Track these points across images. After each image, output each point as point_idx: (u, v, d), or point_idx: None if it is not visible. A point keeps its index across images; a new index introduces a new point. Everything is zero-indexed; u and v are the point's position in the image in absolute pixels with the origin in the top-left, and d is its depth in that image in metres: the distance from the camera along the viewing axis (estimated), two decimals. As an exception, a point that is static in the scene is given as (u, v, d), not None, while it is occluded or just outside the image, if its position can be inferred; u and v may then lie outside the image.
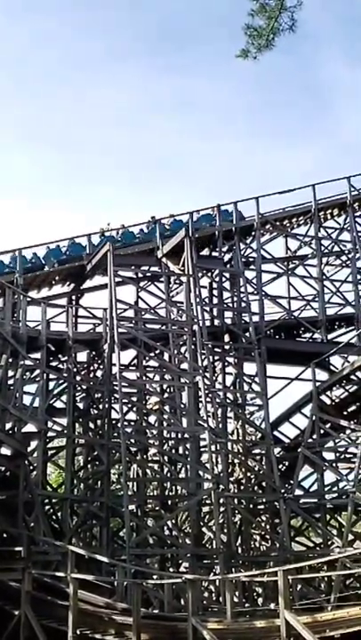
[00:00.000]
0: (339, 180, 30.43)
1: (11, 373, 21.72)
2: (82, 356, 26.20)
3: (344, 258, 30.28)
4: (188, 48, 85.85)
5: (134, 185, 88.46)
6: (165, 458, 25.35)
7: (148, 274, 27.25)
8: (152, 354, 25.49)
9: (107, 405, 24.17)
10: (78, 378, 25.45)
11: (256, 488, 26.18)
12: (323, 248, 29.69)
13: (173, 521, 24.53)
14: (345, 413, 25.93)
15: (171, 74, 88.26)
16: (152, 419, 26.70)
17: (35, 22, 72.17)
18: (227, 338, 27.06)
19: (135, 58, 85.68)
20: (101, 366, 25.38)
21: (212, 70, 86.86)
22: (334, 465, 25.84)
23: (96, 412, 25.47)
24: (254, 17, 10.35)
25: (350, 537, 22.94)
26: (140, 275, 27.17)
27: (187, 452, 23.49)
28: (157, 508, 25.27)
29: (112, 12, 78.39)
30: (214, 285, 28.08)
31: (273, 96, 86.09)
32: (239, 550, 24.30)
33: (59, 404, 24.93)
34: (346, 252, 30.11)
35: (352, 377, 25.53)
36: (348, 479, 24.19)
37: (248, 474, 25.66)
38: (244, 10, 10.31)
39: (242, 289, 27.13)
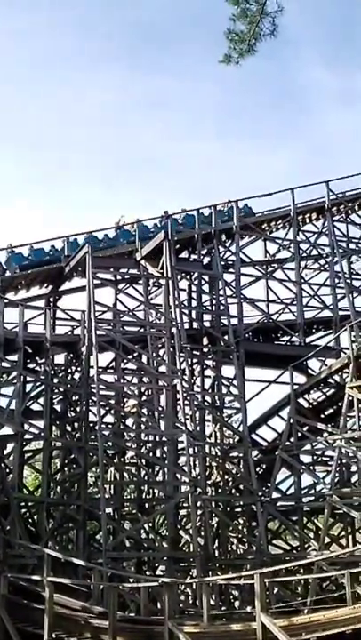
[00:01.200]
0: (317, 184, 30.65)
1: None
2: (59, 359, 26.10)
3: (322, 261, 30.46)
4: (169, 49, 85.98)
5: (110, 185, 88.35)
6: (143, 461, 25.29)
7: (127, 276, 27.18)
8: (130, 356, 25.45)
9: (84, 408, 24.07)
10: (56, 380, 25.34)
11: (233, 491, 26.20)
12: (301, 252, 29.84)
13: (150, 524, 24.48)
14: (322, 416, 26.05)
15: (150, 74, 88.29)
16: (130, 421, 26.65)
17: (11, 20, 71.80)
18: (205, 341, 27.09)
19: (114, 58, 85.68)
20: (79, 369, 25.26)
21: (192, 71, 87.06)
22: (311, 468, 25.95)
23: (73, 414, 25.36)
24: (235, 22, 10.38)
25: (327, 540, 23.00)
26: (118, 277, 27.08)
27: (164, 455, 23.47)
28: (134, 511, 25.21)
29: (91, 10, 78.34)
30: (193, 288, 28.09)
31: (253, 98, 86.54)
32: (216, 553, 24.32)
33: (36, 407, 24.74)
34: (324, 255, 30.29)
35: (329, 380, 25.67)
36: (325, 482, 24.30)
37: (226, 477, 25.68)
38: (225, 11, 10.34)
39: (220, 292, 27.17)
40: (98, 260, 24.93)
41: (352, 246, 31.08)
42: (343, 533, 24.57)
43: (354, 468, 24.08)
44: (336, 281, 29.48)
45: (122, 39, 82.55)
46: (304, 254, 30.13)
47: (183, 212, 28.76)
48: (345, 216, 31.42)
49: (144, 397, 25.86)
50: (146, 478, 25.40)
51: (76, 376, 25.78)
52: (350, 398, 22.67)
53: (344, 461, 24.05)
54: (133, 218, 28.25)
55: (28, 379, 24.15)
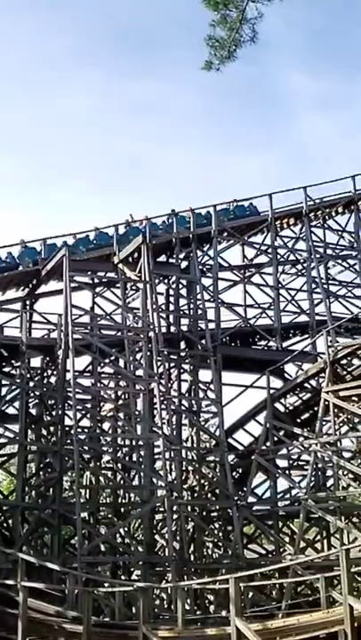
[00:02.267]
0: (295, 189, 30.82)
1: None
2: (35, 362, 25.92)
3: (299, 267, 30.59)
4: (151, 53, 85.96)
5: (94, 187, 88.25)
6: (119, 465, 25.21)
7: (105, 279, 27.13)
8: (107, 360, 25.37)
9: (60, 412, 23.94)
10: (31, 384, 25.18)
11: (210, 495, 26.22)
12: (279, 257, 29.95)
13: (126, 528, 24.39)
14: (298, 421, 26.19)
15: (133, 77, 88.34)
16: (106, 425, 26.57)
17: (-6, 23, 71.49)
18: (183, 345, 27.08)
19: (97, 61, 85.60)
20: (55, 372, 25.14)
21: (174, 75, 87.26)
22: (287, 472, 26.07)
23: (49, 418, 25.21)
24: (216, 28, 10.40)
25: (302, 544, 23.09)
26: (96, 280, 27.02)
27: (140, 459, 23.42)
28: (110, 516, 25.13)
29: (74, 14, 78.26)
30: (171, 292, 28.10)
31: (234, 103, 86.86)
32: (192, 558, 24.28)
33: (11, 410, 24.57)
34: (301, 260, 30.43)
35: (306, 385, 25.80)
36: (301, 486, 24.39)
37: (202, 481, 25.69)
38: (207, 16, 10.35)
39: (198, 296, 27.19)
40: (75, 263, 24.83)
41: (329, 252, 31.27)
42: (318, 537, 24.67)
43: (329, 473, 24.20)
44: (313, 286, 29.63)
45: (106, 43, 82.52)
46: (282, 259, 30.26)
47: (190, 210, 28.81)
48: (322, 222, 31.59)
49: (121, 401, 25.80)
50: (122, 482, 25.34)
51: (52, 380, 25.66)
52: (326, 403, 22.79)
53: (320, 466, 24.18)
54: (142, 216, 28.33)
55: (4, 382, 24.01)
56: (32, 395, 25.30)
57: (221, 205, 29.57)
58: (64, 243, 26.85)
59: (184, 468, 25.60)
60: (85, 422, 25.77)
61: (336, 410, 22.76)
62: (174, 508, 22.74)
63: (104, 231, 27.50)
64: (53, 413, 24.80)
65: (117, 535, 24.20)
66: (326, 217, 31.67)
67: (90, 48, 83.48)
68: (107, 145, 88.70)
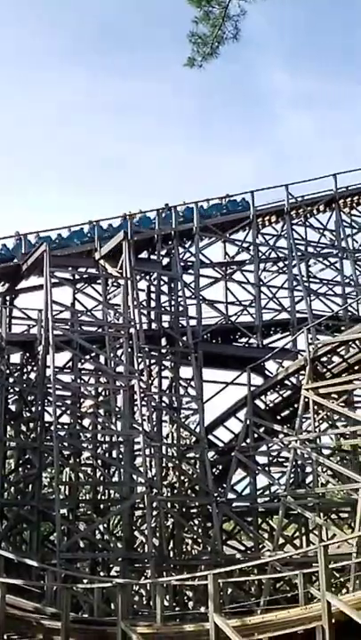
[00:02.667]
0: (277, 187, 30.89)
1: None
2: (15, 358, 25.84)
3: (281, 264, 30.70)
4: (133, 50, 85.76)
5: (73, 186, 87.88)
6: (99, 461, 25.17)
7: (86, 275, 27.04)
8: (88, 356, 25.30)
9: (40, 408, 23.86)
10: (11, 380, 25.08)
11: (189, 492, 26.25)
12: (260, 254, 30.02)
13: (105, 525, 24.38)
14: (278, 418, 26.26)
15: (115, 75, 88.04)
16: (86, 422, 26.49)
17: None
18: (164, 341, 27.09)
19: (80, 59, 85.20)
20: (35, 368, 25.04)
21: (159, 74, 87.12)
22: (267, 469, 26.16)
23: (29, 414, 25.11)
24: (198, 24, 10.37)
25: (281, 541, 23.19)
26: (77, 276, 26.92)
27: (120, 456, 23.39)
28: (89, 512, 25.08)
29: (56, 11, 77.77)
30: (152, 289, 28.07)
31: (216, 101, 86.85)
32: (171, 554, 24.30)
33: (-10, 406, 24.43)
34: (283, 258, 30.52)
35: (286, 382, 25.87)
36: (280, 483, 24.49)
37: (182, 477, 25.72)
38: (189, 14, 10.32)
39: (180, 293, 27.19)
40: (56, 259, 24.74)
41: (310, 250, 31.40)
42: (297, 534, 24.77)
43: (309, 470, 24.28)
44: (294, 284, 29.74)
45: (88, 41, 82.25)
46: (263, 257, 30.34)
47: (184, 204, 28.93)
48: (304, 219, 31.71)
49: (101, 398, 25.75)
50: (101, 479, 25.30)
51: (32, 376, 25.56)
52: (306, 400, 22.89)
53: (299, 462, 24.26)
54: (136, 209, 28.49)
55: (-17, 378, 23.83)
56: (11, 391, 25.20)
57: (213, 200, 29.75)
58: (58, 235, 26.80)
59: (164, 465, 25.62)
60: (65, 419, 25.73)
61: (316, 407, 22.85)
62: (154, 505, 22.74)
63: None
64: (33, 409, 24.72)
65: (97, 532, 24.16)
66: (308, 215, 31.79)
67: (74, 47, 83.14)
68: (91, 144, 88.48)
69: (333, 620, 12.96)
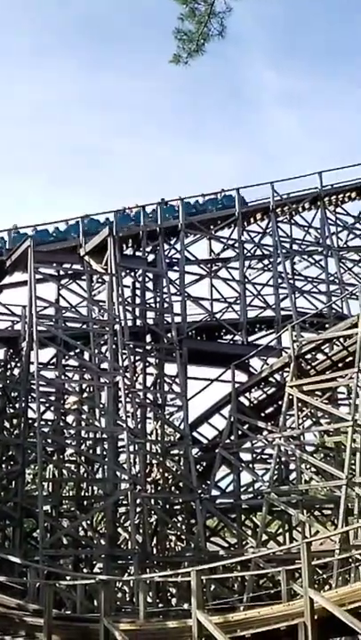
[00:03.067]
0: (262, 184, 30.91)
1: None
2: (-1, 354, 25.71)
3: (266, 261, 30.75)
4: (115, 46, 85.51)
5: (54, 182, 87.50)
6: (82, 458, 25.12)
7: (70, 272, 26.94)
8: (72, 353, 25.22)
9: (23, 404, 23.77)
10: (-5, 376, 24.94)
11: (173, 488, 26.26)
12: (245, 251, 30.05)
13: (89, 521, 24.33)
14: (263, 415, 26.33)
15: (96, 71, 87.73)
16: (70, 418, 26.40)
17: None
18: (148, 338, 27.06)
19: (59, 54, 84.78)
20: (19, 364, 24.95)
21: (139, 70, 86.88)
22: (251, 466, 26.22)
23: (12, 410, 25.02)
24: (184, 21, 10.35)
25: (264, 537, 23.27)
26: (61, 272, 26.82)
27: (104, 453, 23.35)
28: (73, 509, 25.03)
29: (37, 6, 77.32)
30: (137, 285, 28.02)
31: (200, 98, 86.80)
32: (154, 551, 24.32)
33: (-27, 402, 24.36)
34: (268, 255, 30.57)
35: (270, 379, 25.95)
36: (264, 480, 24.57)
37: (166, 474, 25.72)
38: (173, 10, 10.30)
39: (165, 289, 27.16)
40: (40, 255, 24.62)
41: (295, 247, 31.47)
42: (280, 531, 24.88)
43: (292, 467, 24.40)
44: (279, 281, 29.79)
45: (67, 35, 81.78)
46: (248, 254, 30.38)
47: (180, 199, 28.95)
48: (289, 217, 31.77)
49: (85, 394, 25.68)
50: (85, 476, 25.25)
51: (16, 372, 25.47)
52: (290, 397, 22.96)
53: (283, 459, 24.36)
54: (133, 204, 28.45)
55: (-33, 374, 23.72)
56: (-5, 387, 25.07)
57: (210, 195, 29.85)
58: (56, 229, 26.80)
59: (148, 462, 25.62)
60: (49, 415, 25.64)
61: (300, 404, 22.94)
62: (138, 502, 22.73)
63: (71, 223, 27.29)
64: (16, 406, 24.62)
65: (80, 528, 24.12)
66: (293, 212, 31.85)
67: (48, 40, 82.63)
68: (68, 138, 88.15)
69: (316, 617, 13.03)
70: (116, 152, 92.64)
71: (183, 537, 25.43)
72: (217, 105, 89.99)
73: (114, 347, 23.85)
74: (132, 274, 27.92)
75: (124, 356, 24.06)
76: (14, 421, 24.78)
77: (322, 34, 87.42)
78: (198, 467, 26.47)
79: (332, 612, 12.93)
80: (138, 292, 27.96)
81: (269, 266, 30.44)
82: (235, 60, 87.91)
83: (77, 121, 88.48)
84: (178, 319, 27.08)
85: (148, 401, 26.31)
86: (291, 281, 30.28)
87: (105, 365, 24.48)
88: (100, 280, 26.11)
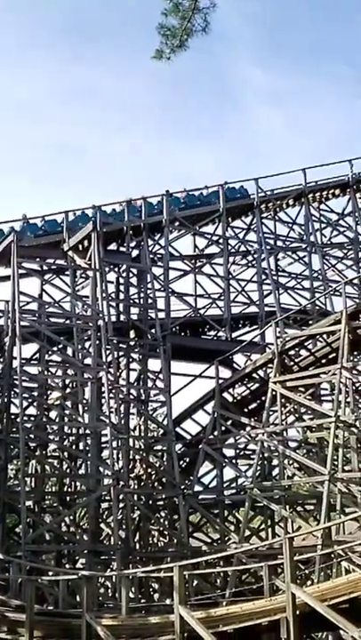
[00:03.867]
0: (246, 181, 30.95)
1: None
2: (-18, 349, 25.53)
3: (250, 258, 30.76)
4: (98, 41, 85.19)
5: (37, 180, 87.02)
6: (65, 454, 25.07)
7: (54, 267, 26.84)
8: (55, 348, 25.14)
9: (6, 400, 23.67)
10: (-23, 371, 24.78)
11: (156, 484, 26.26)
12: (229, 247, 30.06)
13: (71, 517, 24.30)
14: (246, 410, 26.38)
15: (81, 66, 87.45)
16: (53, 414, 26.34)
17: None
18: (132, 334, 27.01)
19: (43, 48, 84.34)
20: (2, 360, 24.80)
21: (124, 65, 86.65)
22: (234, 461, 26.29)
23: (-5, 406, 24.86)
24: (168, 16, 10.31)
25: (247, 533, 23.35)
26: (45, 267, 26.71)
27: (87, 448, 23.32)
28: (55, 505, 24.98)
29: (22, 3, 76.81)
30: (121, 281, 27.96)
31: (185, 96, 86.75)
32: (137, 546, 24.33)
33: None
34: (252, 252, 30.60)
35: (254, 375, 26.00)
36: (247, 475, 24.63)
37: (149, 470, 25.72)
38: (157, 6, 10.27)
39: (149, 285, 27.11)
40: (23, 250, 24.53)
41: (279, 243, 31.52)
42: (263, 526, 24.94)
43: (275, 462, 24.46)
44: (263, 277, 29.83)
45: (51, 32, 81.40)
46: (232, 250, 30.38)
47: (184, 191, 29.22)
48: (273, 213, 31.81)
49: (68, 390, 25.62)
50: (68, 471, 25.19)
51: (-1, 367, 25.29)
52: (274, 393, 23.02)
53: (266, 455, 24.40)
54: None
55: None
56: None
57: (213, 188, 30.00)
58: (63, 219, 26.63)
59: (131, 457, 25.59)
60: (32, 410, 25.55)
61: (283, 400, 23.01)
62: (120, 497, 22.73)
63: (53, 218, 27.15)
64: (-1, 401, 24.48)
65: (62, 524, 24.08)
66: (277, 209, 31.89)
67: (32, 37, 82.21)
68: (50, 136, 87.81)
69: (298, 612, 13.09)
70: (100, 150, 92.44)
71: (166, 532, 25.44)
72: (203, 103, 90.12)
73: (97, 342, 23.80)
74: (116, 269, 27.84)
75: (108, 352, 24.02)
76: (-3, 417, 24.63)
77: (306, 32, 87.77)
78: (181, 462, 26.49)
79: (314, 608, 13.00)
80: (122, 287, 27.91)
81: (253, 262, 30.45)
82: (221, 58, 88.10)
83: (62, 118, 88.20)
84: (162, 315, 27.05)
85: (131, 397, 26.28)
86: (275, 277, 30.33)
87: (88, 361, 24.43)
88: (83, 275, 26.03)
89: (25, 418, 23.39)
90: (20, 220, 26.30)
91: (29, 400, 24.88)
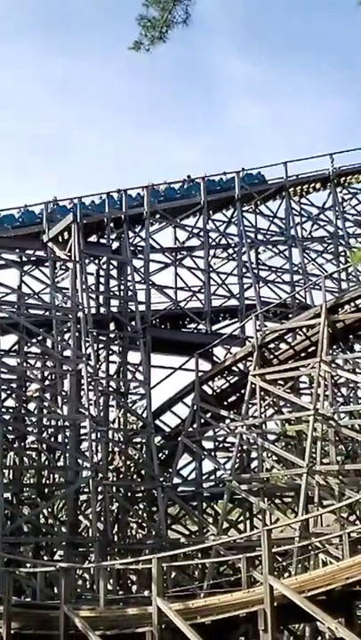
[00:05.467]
0: (227, 174, 30.90)
1: None
2: None
3: (230, 251, 30.78)
4: (77, 32, 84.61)
5: (15, 168, 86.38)
6: (44, 446, 24.98)
7: (33, 258, 26.68)
8: (34, 340, 25.01)
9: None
10: None
11: (135, 476, 26.28)
12: (210, 240, 30.05)
13: (50, 509, 24.24)
14: (225, 403, 26.45)
15: (62, 56, 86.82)
16: (32, 406, 26.24)
17: None
18: (112, 326, 26.95)
19: (22, 37, 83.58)
20: (-20, 351, 24.64)
21: (105, 56, 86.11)
22: (213, 454, 26.35)
23: (-27, 397, 24.71)
24: (148, 7, 10.25)
25: (225, 525, 23.42)
26: (24, 258, 26.54)
27: (66, 440, 23.26)
28: (34, 497, 24.90)
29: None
30: (101, 273, 27.83)
31: (165, 86, 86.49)
32: (115, 538, 24.34)
33: None
34: (232, 245, 30.62)
35: (234, 368, 26.07)
36: (226, 468, 24.70)
37: (128, 462, 25.73)
38: (139, -3, 10.19)
39: (129, 277, 27.04)
40: (2, 241, 24.36)
41: (260, 237, 31.55)
42: (241, 518, 25.06)
43: (254, 455, 24.56)
44: (243, 270, 29.85)
45: (31, 18, 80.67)
46: (213, 243, 30.38)
47: (188, 178, 29.50)
48: (254, 207, 31.81)
49: (47, 382, 25.52)
50: (46, 463, 25.12)
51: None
52: (253, 386, 23.10)
53: (245, 448, 24.50)
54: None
55: None
56: None
57: (231, 174, 30.55)
58: (92, 202, 27.12)
59: (110, 450, 25.56)
60: (10, 402, 25.45)
61: (262, 393, 23.10)
62: (99, 489, 22.71)
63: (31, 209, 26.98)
64: (-22, 393, 24.32)
65: (41, 516, 24.02)
66: (258, 202, 31.91)
67: (15, 23, 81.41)
68: (25, 127, 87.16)
69: (275, 604, 13.17)
70: (79, 140, 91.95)
71: (144, 525, 25.48)
72: (183, 94, 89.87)
73: (77, 334, 23.71)
74: (96, 261, 27.73)
75: (87, 344, 23.95)
76: (-25, 409, 24.48)
77: (288, 26, 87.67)
78: (160, 455, 26.52)
79: (292, 599, 13.09)
80: (102, 279, 27.77)
81: (234, 255, 30.47)
82: (202, 49, 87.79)
83: (40, 109, 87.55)
84: (142, 307, 27.00)
85: (110, 389, 26.24)
86: (255, 270, 30.36)
87: (68, 353, 24.35)
88: (63, 267, 25.91)
89: (3, 410, 23.32)
90: (50, 202, 26.43)
91: (8, 392, 24.75)
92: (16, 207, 26.71)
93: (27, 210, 26.86)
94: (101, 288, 27.58)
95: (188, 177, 29.54)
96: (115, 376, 26.69)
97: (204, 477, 25.53)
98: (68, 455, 23.06)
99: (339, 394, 25.45)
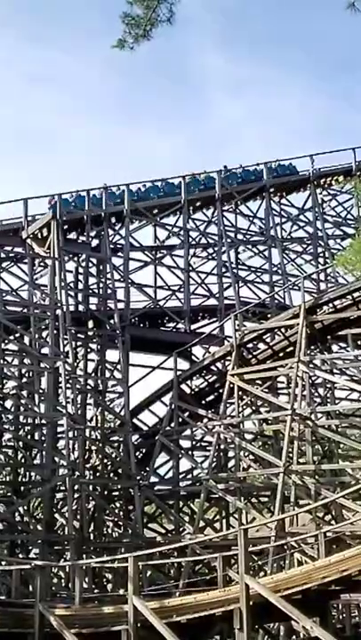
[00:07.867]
0: (209, 173, 30.92)
1: None
2: None
3: (210, 250, 30.82)
4: (56, 23, 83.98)
5: None
6: (20, 443, 24.84)
7: (12, 254, 26.50)
8: (12, 337, 24.84)
9: None
10: None
11: (112, 475, 26.23)
12: (190, 239, 30.06)
13: (25, 507, 24.11)
14: (203, 403, 26.49)
15: (39, 47, 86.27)
16: (9, 403, 26.05)
17: None
18: (91, 324, 26.86)
19: (4, 29, 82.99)
20: None
21: (84, 49, 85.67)
22: (190, 453, 26.37)
23: None
24: (133, 5, 10.22)
25: (201, 524, 23.44)
26: (2, 255, 26.35)
27: (43, 438, 23.14)
28: (9, 494, 24.76)
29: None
30: (80, 270, 27.74)
31: (144, 82, 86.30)
32: (92, 537, 24.27)
33: None
34: (212, 244, 30.65)
35: (212, 367, 26.11)
36: (203, 467, 24.73)
37: (105, 460, 25.66)
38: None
39: (108, 275, 26.98)
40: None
41: (240, 237, 31.63)
42: (218, 517, 25.10)
43: (231, 454, 24.63)
44: (223, 270, 29.92)
45: (6, 10, 79.99)
46: (193, 242, 30.38)
47: (204, 172, 30.35)
48: (234, 207, 31.89)
49: (24, 379, 25.37)
50: (23, 461, 24.98)
51: None
52: (231, 385, 23.15)
53: (222, 447, 24.55)
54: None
55: None
56: None
57: (267, 164, 31.71)
58: (138, 189, 28.19)
59: (87, 448, 25.48)
60: (-13, 400, 25.24)
61: (240, 392, 23.16)
62: (76, 487, 22.62)
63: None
64: None
65: (16, 513, 23.88)
66: (238, 202, 31.97)
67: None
68: (6, 116, 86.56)
69: (251, 603, 13.23)
70: (54, 134, 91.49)
71: (121, 523, 25.43)
72: (164, 87, 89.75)
73: (55, 332, 23.62)
74: (76, 259, 27.61)
75: (66, 342, 23.85)
76: None
77: (267, 22, 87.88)
78: (138, 453, 26.48)
79: (267, 598, 13.14)
80: (81, 277, 27.68)
81: (214, 255, 30.52)
82: (183, 46, 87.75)
83: (19, 102, 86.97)
84: (121, 305, 26.94)
85: (88, 387, 26.14)
86: (235, 270, 30.46)
87: (45, 350, 24.24)
88: (42, 264, 25.77)
89: (-20, 407, 23.12)
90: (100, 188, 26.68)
91: (-16, 389, 24.57)
92: (161, 179, 27.96)
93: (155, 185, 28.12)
94: (80, 286, 27.49)
95: (225, 167, 30.72)
96: (93, 374, 26.60)
97: (181, 476, 25.55)
98: (44, 453, 22.96)
99: (316, 394, 25.55)
